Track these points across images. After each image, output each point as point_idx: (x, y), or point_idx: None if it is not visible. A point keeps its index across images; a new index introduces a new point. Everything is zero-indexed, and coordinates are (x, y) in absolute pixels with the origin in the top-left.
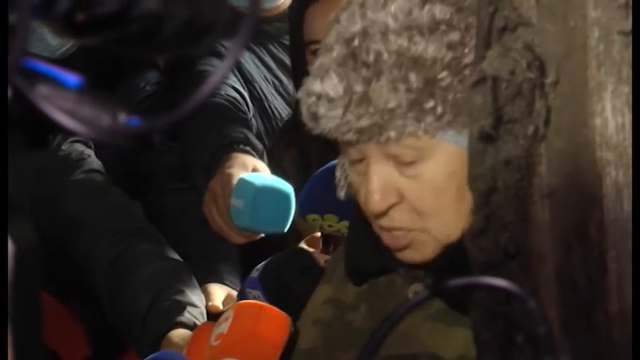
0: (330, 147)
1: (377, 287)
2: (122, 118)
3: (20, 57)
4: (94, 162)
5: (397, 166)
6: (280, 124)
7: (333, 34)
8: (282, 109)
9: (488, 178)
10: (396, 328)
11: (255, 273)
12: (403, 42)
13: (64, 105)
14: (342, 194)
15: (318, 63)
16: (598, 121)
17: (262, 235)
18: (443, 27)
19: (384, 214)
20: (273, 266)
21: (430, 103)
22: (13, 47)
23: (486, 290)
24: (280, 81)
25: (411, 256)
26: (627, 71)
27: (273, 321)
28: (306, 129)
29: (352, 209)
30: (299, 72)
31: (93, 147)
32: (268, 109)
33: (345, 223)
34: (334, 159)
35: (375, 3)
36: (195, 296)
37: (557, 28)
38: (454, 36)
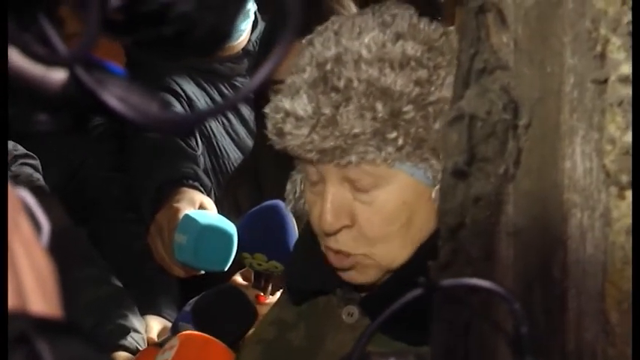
0: (284, 186)
1: (316, 307)
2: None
3: (90, 45)
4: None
5: (352, 191)
6: (227, 163)
7: (307, 55)
8: (230, 149)
9: (458, 213)
10: None
11: (188, 307)
12: (374, 72)
13: (115, 91)
14: (289, 207)
15: (289, 82)
16: (568, 164)
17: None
18: (412, 63)
19: (333, 234)
20: (204, 302)
21: (393, 134)
22: (84, 35)
23: (469, 292)
24: (229, 121)
25: (354, 277)
26: (598, 118)
27: (218, 355)
28: (263, 164)
29: (281, 250)
30: (261, 109)
31: (41, 171)
32: (217, 147)
33: (274, 263)
34: None
35: (350, 32)
36: (137, 322)
37: (533, 73)
38: (422, 73)
